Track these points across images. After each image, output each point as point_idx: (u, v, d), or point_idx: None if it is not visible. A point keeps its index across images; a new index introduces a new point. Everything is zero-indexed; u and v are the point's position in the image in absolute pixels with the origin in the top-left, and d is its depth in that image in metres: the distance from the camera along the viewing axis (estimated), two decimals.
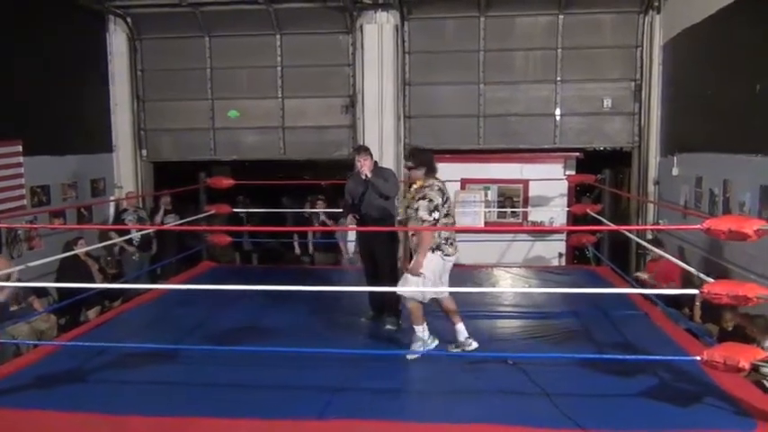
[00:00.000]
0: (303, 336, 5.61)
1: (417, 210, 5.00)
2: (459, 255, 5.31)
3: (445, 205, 5.14)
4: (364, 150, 5.97)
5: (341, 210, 7.03)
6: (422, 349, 5.04)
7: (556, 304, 6.56)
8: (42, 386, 4.48)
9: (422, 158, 5.24)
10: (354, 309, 6.26)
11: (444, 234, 5.09)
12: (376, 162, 6.04)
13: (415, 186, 5.21)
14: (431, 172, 5.22)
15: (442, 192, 5.15)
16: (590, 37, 10.20)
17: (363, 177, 5.82)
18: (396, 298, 5.87)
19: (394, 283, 5.83)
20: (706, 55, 8.06)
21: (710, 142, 7.82)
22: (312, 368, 4.70)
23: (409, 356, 4.99)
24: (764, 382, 4.76)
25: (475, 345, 5.14)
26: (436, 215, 5.02)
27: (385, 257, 5.99)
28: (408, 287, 5.02)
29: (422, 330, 5.13)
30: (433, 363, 4.91)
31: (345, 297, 6.51)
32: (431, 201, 5.00)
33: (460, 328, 5.18)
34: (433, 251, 5.03)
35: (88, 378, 4.66)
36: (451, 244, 5.15)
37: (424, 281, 5.00)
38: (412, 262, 5.04)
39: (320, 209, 10.11)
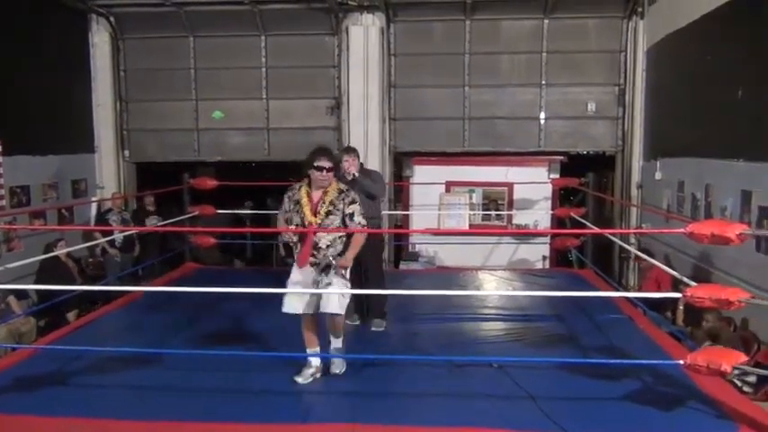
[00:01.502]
0: (286, 339, 5.55)
1: (353, 215, 4.66)
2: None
3: None
4: (352, 151, 5.93)
5: None
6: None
7: (540, 307, 6.57)
8: (21, 389, 4.40)
9: (334, 158, 4.81)
10: None
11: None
12: (362, 163, 6.02)
13: (331, 190, 4.68)
14: (337, 175, 4.91)
15: None
16: (574, 41, 10.27)
17: (350, 178, 5.75)
18: (383, 300, 5.92)
19: (381, 284, 5.82)
20: (689, 60, 8.13)
21: (693, 147, 7.89)
22: (294, 372, 4.66)
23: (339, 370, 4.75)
24: (736, 381, 4.82)
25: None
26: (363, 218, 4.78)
27: (371, 258, 5.91)
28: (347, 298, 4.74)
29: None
30: (417, 367, 4.89)
31: None
32: (360, 204, 4.79)
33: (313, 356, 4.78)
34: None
35: (68, 381, 4.59)
36: None
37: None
38: (345, 257, 4.65)
39: None
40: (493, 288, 7.90)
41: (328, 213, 4.64)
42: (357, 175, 5.78)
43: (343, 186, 4.78)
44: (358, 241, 4.71)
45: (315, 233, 4.62)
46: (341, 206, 4.65)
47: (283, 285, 4.74)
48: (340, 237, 4.69)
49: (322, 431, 3.88)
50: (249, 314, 6.19)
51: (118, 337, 5.85)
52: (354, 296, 6.05)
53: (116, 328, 6.20)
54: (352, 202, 4.71)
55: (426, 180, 10.50)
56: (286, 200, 4.81)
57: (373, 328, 5.88)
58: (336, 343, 4.86)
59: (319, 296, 4.61)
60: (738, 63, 6.73)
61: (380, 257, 6.21)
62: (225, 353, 5.01)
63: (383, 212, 6.40)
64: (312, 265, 4.68)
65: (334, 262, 4.64)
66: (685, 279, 4.34)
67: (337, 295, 4.60)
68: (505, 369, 4.71)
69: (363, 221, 4.74)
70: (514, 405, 4.20)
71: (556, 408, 4.06)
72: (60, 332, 6.00)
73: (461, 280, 8.11)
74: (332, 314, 4.66)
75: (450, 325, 6.04)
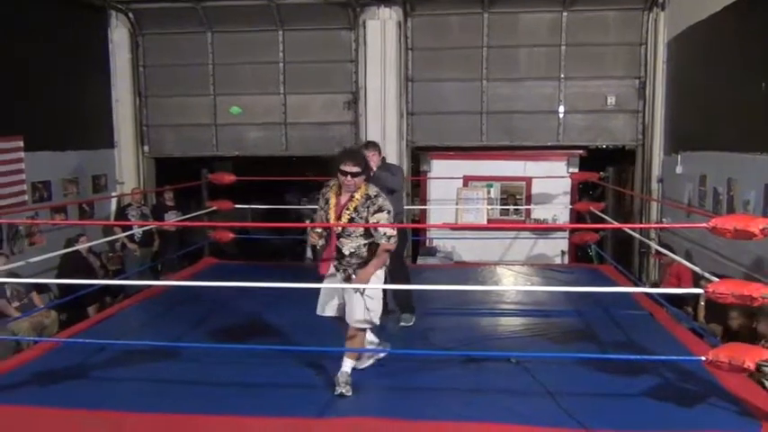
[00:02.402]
0: (303, 334, 5.58)
1: (377, 225, 4.31)
2: None
3: None
4: (372, 145, 5.87)
5: None
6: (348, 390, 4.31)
7: (559, 303, 6.53)
8: (42, 383, 4.45)
9: (364, 161, 4.46)
10: None
11: None
12: (384, 158, 5.96)
13: (357, 195, 4.38)
14: (369, 179, 4.52)
15: None
16: (594, 34, 10.15)
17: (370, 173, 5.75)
18: (410, 294, 5.86)
19: (405, 279, 5.76)
20: (711, 52, 8.01)
21: (715, 140, 7.77)
22: (312, 366, 4.68)
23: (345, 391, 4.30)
24: (765, 381, 4.74)
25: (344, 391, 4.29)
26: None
27: (393, 254, 5.85)
28: (373, 310, 4.42)
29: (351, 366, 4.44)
30: (436, 362, 4.87)
31: None
32: (389, 212, 4.38)
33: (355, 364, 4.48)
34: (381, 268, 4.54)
35: (88, 374, 4.64)
36: None
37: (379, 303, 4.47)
38: (364, 271, 4.37)
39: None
40: (511, 283, 7.86)
41: (350, 221, 4.35)
42: (375, 170, 5.74)
43: (373, 192, 4.39)
44: (382, 256, 4.39)
45: (338, 238, 4.40)
46: (365, 214, 4.32)
47: (301, 280, 4.75)
48: (364, 244, 4.37)
49: (339, 425, 3.88)
50: (267, 308, 6.22)
51: (137, 331, 5.90)
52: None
53: (136, 321, 6.26)
54: (379, 210, 4.31)
55: (444, 175, 10.46)
56: (320, 197, 4.57)
57: (402, 323, 5.83)
58: (346, 365, 4.36)
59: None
60: (761, 55, 6.61)
61: (403, 253, 6.08)
62: (243, 347, 5.03)
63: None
64: (337, 270, 4.49)
65: (353, 275, 4.40)
66: (706, 274, 4.28)
67: (362, 306, 4.34)
68: (524, 364, 4.68)
69: (391, 233, 4.34)
70: (533, 401, 4.18)
71: (574, 404, 4.02)
72: (81, 326, 6.08)
73: (479, 275, 8.08)
74: (353, 326, 4.41)
75: (468, 320, 6.03)
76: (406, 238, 6.27)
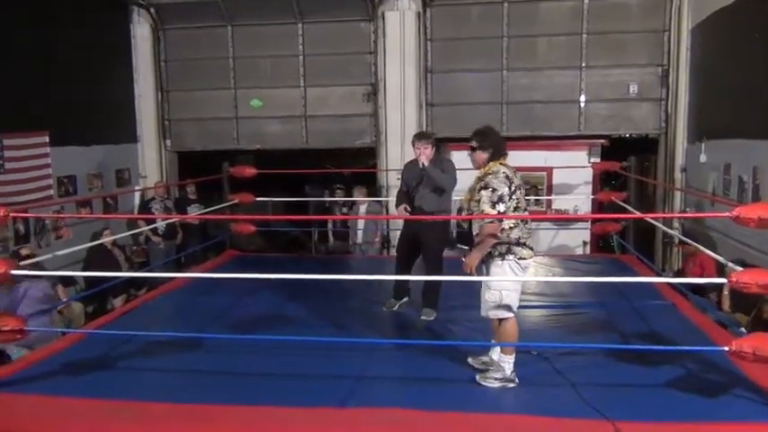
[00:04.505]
0: (325, 324, 5.62)
1: (479, 202, 4.19)
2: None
3: (514, 196, 4.23)
4: (426, 137, 5.64)
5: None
6: (498, 385, 4.23)
7: (581, 293, 6.50)
8: (69, 373, 4.55)
9: (489, 138, 4.39)
10: (376, 297, 6.26)
11: (515, 234, 4.23)
12: (438, 151, 5.75)
13: (477, 174, 4.38)
14: (497, 156, 4.36)
15: (509, 179, 4.25)
16: (616, 21, 10.02)
17: (420, 167, 5.57)
18: (436, 289, 5.74)
19: (437, 274, 5.62)
20: (736, 39, 7.87)
21: (739, 128, 7.64)
22: (335, 357, 4.71)
23: (485, 384, 4.26)
24: None
25: (516, 382, 4.27)
26: (501, 207, 4.14)
27: (433, 251, 5.74)
28: (491, 302, 4.26)
29: (510, 362, 4.28)
30: (457, 352, 4.88)
31: (366, 285, 6.49)
32: (494, 190, 4.15)
33: (509, 359, 4.30)
34: (502, 258, 4.23)
35: (114, 365, 4.72)
36: (525, 244, 4.28)
37: (505, 296, 4.23)
38: (468, 256, 4.26)
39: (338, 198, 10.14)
40: (532, 274, 7.80)
41: (469, 200, 4.34)
42: (426, 165, 5.55)
43: (492, 169, 4.25)
44: (482, 237, 4.16)
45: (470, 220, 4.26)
46: (476, 194, 4.25)
47: (323, 272, 4.77)
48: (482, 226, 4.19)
49: (360, 415, 3.90)
50: (289, 299, 6.27)
51: (162, 322, 5.97)
52: (396, 280, 5.95)
53: (160, 313, 6.34)
54: (484, 187, 4.19)
55: (464, 166, 10.39)
56: None
57: (423, 317, 5.70)
58: (498, 355, 4.32)
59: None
60: None
61: (441, 248, 5.82)
62: (265, 337, 5.07)
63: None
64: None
65: (463, 259, 4.26)
66: (730, 264, 4.23)
67: (485, 297, 4.26)
68: (545, 355, 4.67)
69: (491, 210, 4.13)
70: (554, 392, 4.17)
71: (596, 395, 4.01)
72: (107, 317, 6.18)
73: None
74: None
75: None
76: (448, 234, 6.06)
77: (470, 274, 4.24)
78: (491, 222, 4.15)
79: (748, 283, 3.63)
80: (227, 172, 9.02)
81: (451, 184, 5.72)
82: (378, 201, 9.90)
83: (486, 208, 4.14)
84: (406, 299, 6.07)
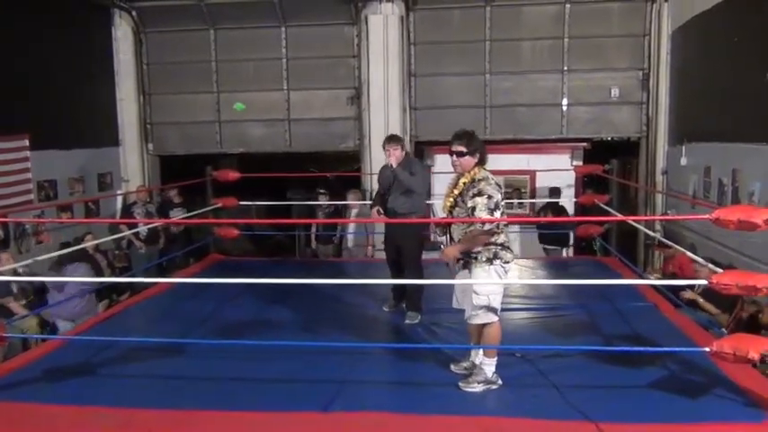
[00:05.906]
0: (309, 328, 5.60)
1: (474, 209, 4.12)
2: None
3: (502, 204, 4.22)
4: (395, 140, 5.68)
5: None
6: (480, 389, 4.22)
7: (564, 296, 6.53)
8: (50, 380, 4.48)
9: (476, 143, 4.28)
10: (361, 301, 6.25)
11: (501, 239, 4.23)
12: (407, 153, 5.80)
13: (463, 180, 4.28)
14: (482, 162, 4.31)
15: (498, 186, 4.26)
16: (597, 26, 10.13)
17: (389, 168, 5.63)
18: (418, 293, 5.74)
19: (417, 276, 5.66)
20: (715, 43, 7.97)
21: (719, 131, 7.75)
22: (319, 361, 4.69)
23: (468, 390, 4.23)
24: None
25: (499, 383, 4.28)
26: (497, 214, 4.13)
27: (409, 253, 5.77)
28: (479, 306, 4.21)
29: (492, 365, 4.26)
30: (441, 355, 4.89)
31: (353, 289, 6.48)
32: (490, 197, 4.10)
33: (491, 362, 4.28)
34: (490, 263, 4.20)
35: (95, 372, 4.66)
36: (508, 248, 4.30)
37: (492, 299, 4.22)
38: (450, 248, 4.27)
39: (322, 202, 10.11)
40: (515, 276, 7.84)
41: (453, 206, 4.27)
42: (395, 167, 5.60)
43: (480, 175, 4.19)
44: (468, 237, 4.15)
45: (449, 224, 4.23)
46: (466, 199, 4.16)
47: (307, 276, 4.75)
48: (468, 232, 4.19)
49: (343, 420, 3.89)
50: (273, 304, 6.24)
51: (144, 328, 5.93)
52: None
53: (142, 318, 6.29)
54: (477, 194, 4.12)
55: (447, 169, 10.41)
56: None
57: (407, 321, 5.70)
58: (480, 358, 4.29)
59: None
60: (765, 45, 6.58)
61: (419, 250, 5.89)
62: (248, 342, 5.03)
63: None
64: (457, 261, 4.31)
65: (470, 265, 4.25)
66: (710, 265, 4.27)
67: (474, 303, 4.20)
68: (529, 358, 4.69)
69: (488, 217, 4.10)
70: (538, 394, 4.18)
71: (579, 396, 4.03)
72: (88, 323, 6.11)
73: None
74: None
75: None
76: (423, 235, 6.14)
77: (447, 266, 4.29)
78: (483, 227, 4.14)
79: (728, 285, 3.66)
80: (211, 175, 8.96)
81: (421, 185, 5.76)
82: (369, 205, 9.86)
83: (484, 215, 4.11)
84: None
